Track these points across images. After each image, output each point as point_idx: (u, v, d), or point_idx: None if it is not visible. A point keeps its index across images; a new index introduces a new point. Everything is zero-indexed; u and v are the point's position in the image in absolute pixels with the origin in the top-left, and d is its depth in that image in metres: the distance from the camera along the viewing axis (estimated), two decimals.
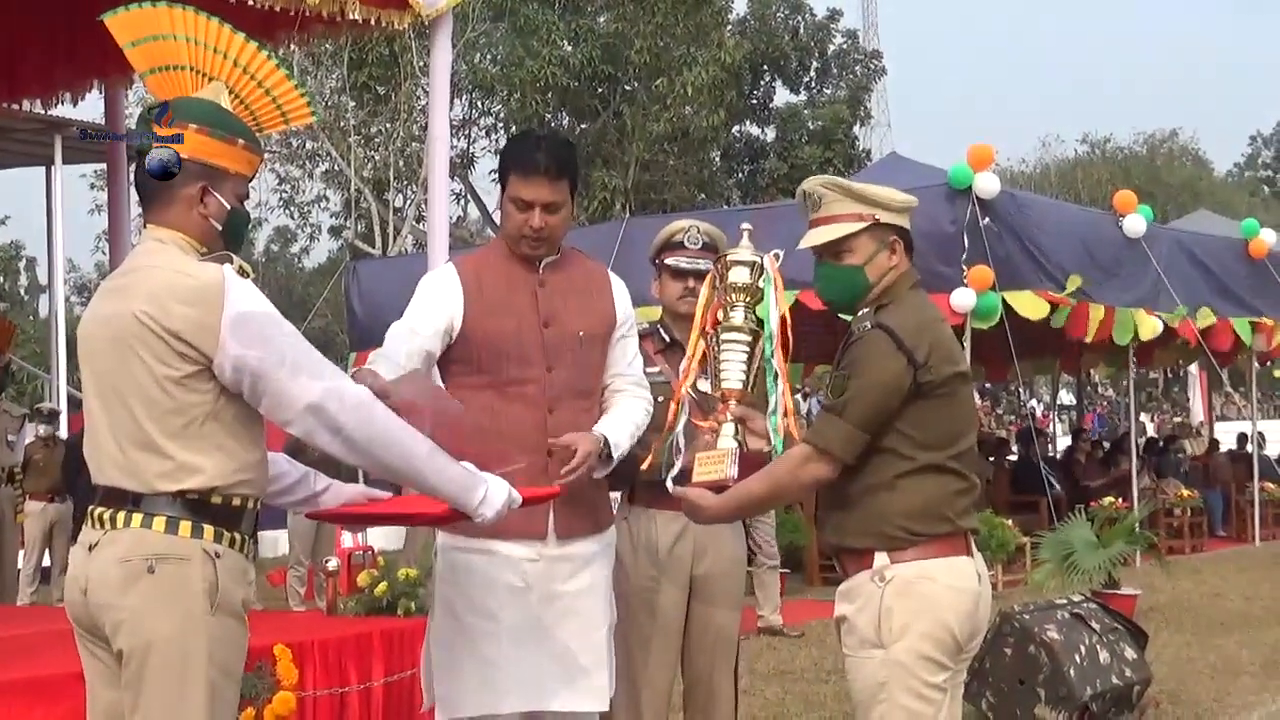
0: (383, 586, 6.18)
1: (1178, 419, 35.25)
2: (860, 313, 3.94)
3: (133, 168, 3.78)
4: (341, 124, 32.52)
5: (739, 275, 4.06)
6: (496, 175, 4.53)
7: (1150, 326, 15.51)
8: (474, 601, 4.31)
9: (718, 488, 3.94)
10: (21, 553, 13.27)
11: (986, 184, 13.67)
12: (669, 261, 5.26)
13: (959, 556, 3.87)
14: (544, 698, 4.34)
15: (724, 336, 4.03)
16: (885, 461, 3.82)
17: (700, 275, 5.19)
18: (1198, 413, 31.62)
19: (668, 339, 5.27)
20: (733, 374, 4.01)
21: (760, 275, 4.06)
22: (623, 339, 4.64)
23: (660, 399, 4.67)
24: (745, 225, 4.17)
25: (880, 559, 3.85)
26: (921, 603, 3.80)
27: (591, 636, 4.46)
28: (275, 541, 16.38)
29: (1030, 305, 13.89)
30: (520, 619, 4.30)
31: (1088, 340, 15.43)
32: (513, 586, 4.31)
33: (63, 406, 18.39)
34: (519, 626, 4.30)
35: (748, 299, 4.06)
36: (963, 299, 13.10)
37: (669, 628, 5.13)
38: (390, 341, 4.33)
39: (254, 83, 3.75)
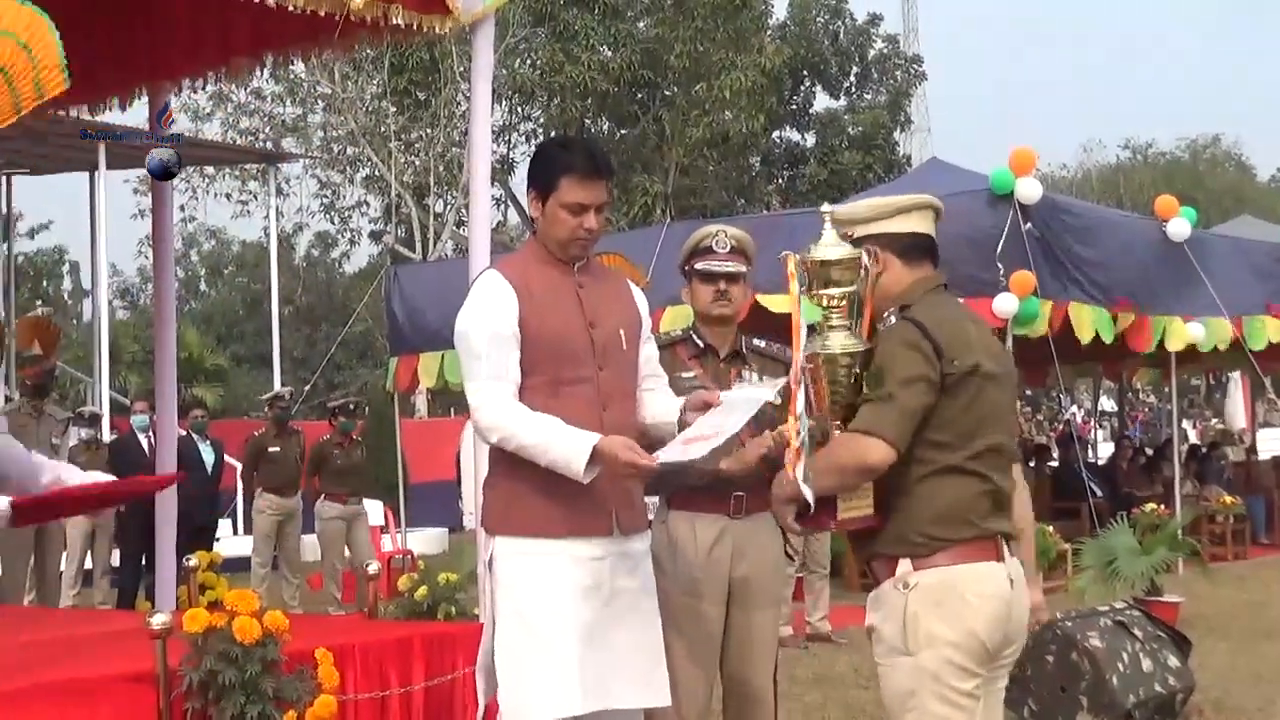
0: (423, 590, 6.18)
1: (1219, 425, 35.02)
2: (885, 314, 3.97)
3: None
4: (382, 129, 32.68)
5: (842, 276, 3.89)
6: (532, 181, 4.51)
7: (1190, 336, 15.43)
8: (546, 604, 4.29)
9: (864, 524, 3.93)
10: (64, 555, 13.36)
11: (1029, 189, 13.59)
12: (699, 266, 5.29)
13: (986, 562, 3.86)
14: (615, 696, 4.35)
15: (841, 360, 3.88)
16: (904, 466, 3.83)
17: (731, 277, 5.23)
18: (1237, 419, 31.38)
19: (701, 344, 5.30)
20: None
21: (859, 269, 3.92)
22: (648, 341, 4.68)
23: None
24: (827, 208, 4.02)
25: (904, 566, 3.87)
26: (946, 610, 3.80)
27: (651, 632, 4.49)
28: (315, 545, 16.43)
29: (1084, 322, 13.88)
30: (590, 617, 4.31)
31: (1148, 351, 15.38)
32: (584, 586, 4.31)
33: (105, 410, 18.52)
34: (589, 625, 4.30)
35: (848, 304, 3.92)
36: (1005, 304, 13.03)
37: (708, 631, 5.15)
38: (491, 362, 4.31)
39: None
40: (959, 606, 3.79)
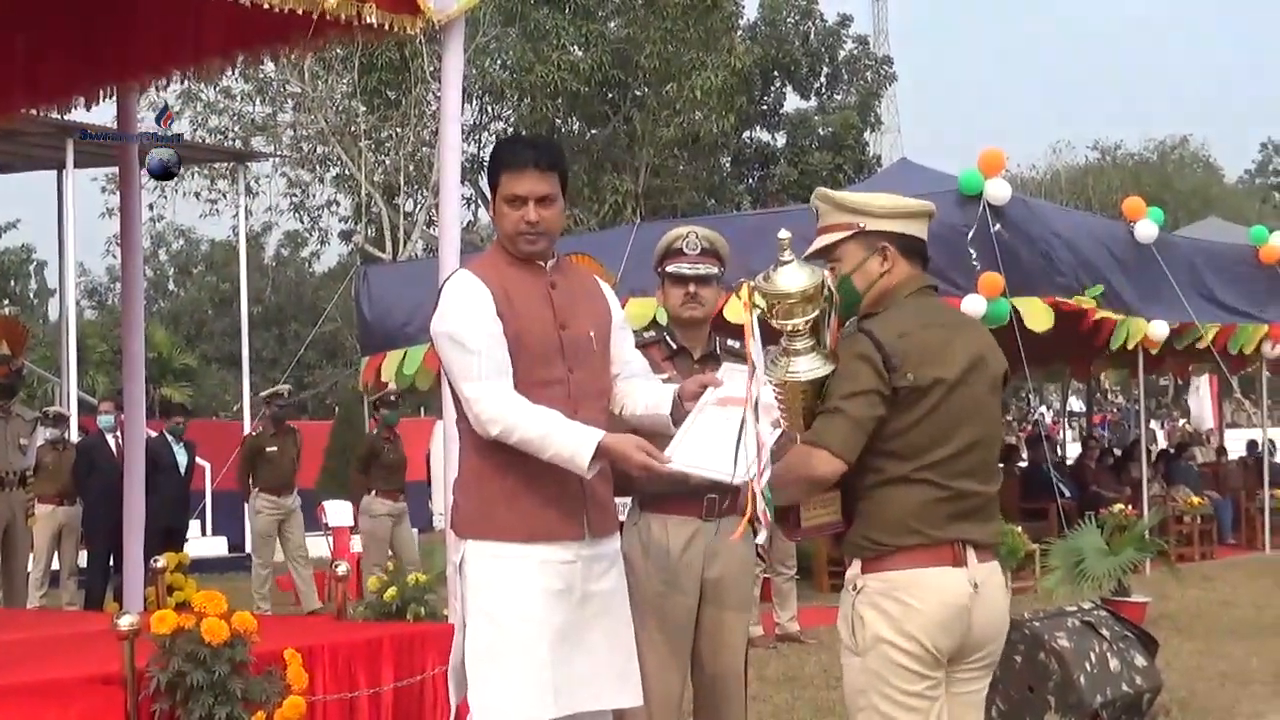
0: (392, 592, 6.18)
1: (1188, 426, 35.21)
2: (848, 321, 3.96)
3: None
4: (352, 129, 32.61)
5: (805, 308, 3.80)
6: (488, 182, 4.54)
7: (1151, 332, 15.53)
8: (518, 607, 4.29)
9: (830, 530, 3.96)
10: (30, 556, 13.30)
11: (998, 190, 13.66)
12: (670, 269, 5.30)
13: (936, 568, 3.87)
14: (589, 698, 4.36)
15: (804, 386, 3.83)
16: (860, 475, 3.85)
17: (701, 280, 5.23)
18: (1205, 419, 31.55)
19: (674, 346, 5.30)
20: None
21: (823, 294, 3.82)
22: (620, 329, 4.65)
23: None
24: (784, 234, 3.86)
25: (854, 569, 3.92)
26: (886, 613, 3.84)
27: (623, 634, 4.49)
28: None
29: (1039, 317, 13.88)
30: (562, 621, 4.30)
31: (1112, 349, 15.46)
32: (555, 590, 4.31)
33: (72, 410, 18.42)
34: (561, 628, 4.30)
35: (813, 329, 3.84)
36: (973, 305, 13.08)
37: (680, 632, 5.15)
38: (486, 358, 4.27)
39: None
40: (899, 610, 3.82)
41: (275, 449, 13.94)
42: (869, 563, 3.87)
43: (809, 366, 3.83)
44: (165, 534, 13.00)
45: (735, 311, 12.84)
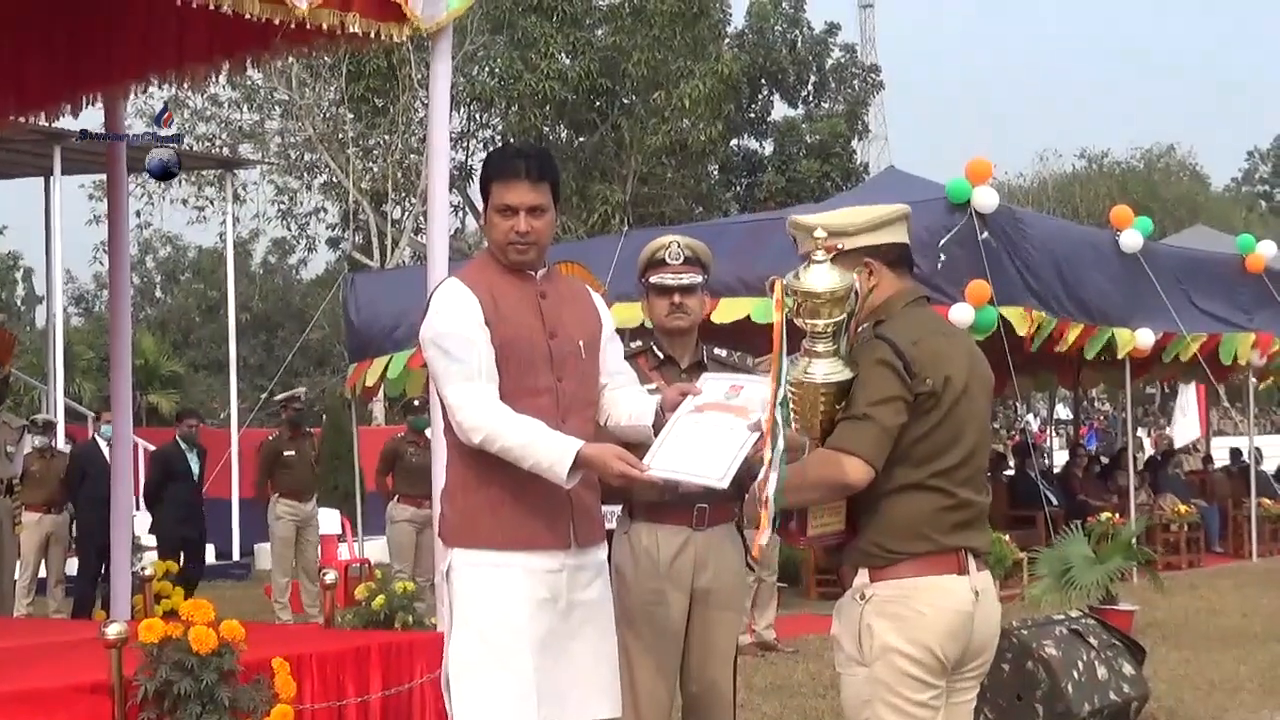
0: (380, 600, 6.17)
1: (1169, 432, 35.17)
2: (859, 329, 3.96)
3: None
4: (340, 136, 32.57)
5: (833, 309, 3.81)
6: (479, 192, 4.55)
7: (1138, 341, 15.58)
8: (502, 617, 4.29)
9: (834, 539, 3.94)
10: (18, 564, 13.26)
11: (985, 199, 13.66)
12: (653, 280, 5.30)
13: (944, 575, 3.88)
14: (572, 708, 4.36)
15: (824, 389, 3.83)
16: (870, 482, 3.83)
17: (686, 289, 5.24)
18: (1190, 428, 31.50)
19: (661, 355, 5.31)
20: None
21: (850, 298, 3.83)
22: (610, 340, 4.66)
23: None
24: (819, 233, 3.86)
25: (861, 577, 3.90)
26: (898, 622, 3.83)
27: (606, 644, 4.50)
28: (264, 553, 16.30)
29: (1021, 319, 13.91)
30: (546, 630, 4.30)
31: (1088, 357, 15.47)
32: (540, 599, 4.31)
33: (59, 418, 18.38)
34: (545, 638, 4.30)
35: (834, 329, 3.84)
36: (960, 314, 13.08)
37: (670, 640, 5.15)
38: (470, 365, 4.28)
39: None
40: (912, 618, 3.82)
41: (293, 453, 13.86)
42: (878, 570, 3.86)
43: (827, 370, 3.84)
44: (182, 543, 12.93)
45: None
